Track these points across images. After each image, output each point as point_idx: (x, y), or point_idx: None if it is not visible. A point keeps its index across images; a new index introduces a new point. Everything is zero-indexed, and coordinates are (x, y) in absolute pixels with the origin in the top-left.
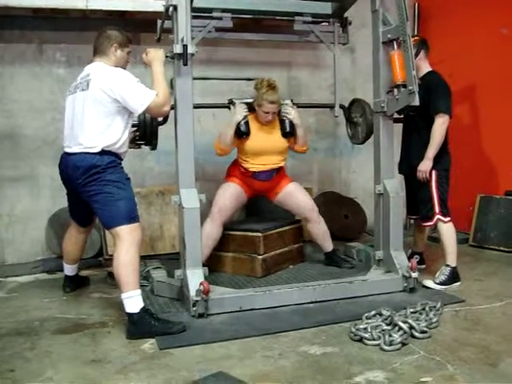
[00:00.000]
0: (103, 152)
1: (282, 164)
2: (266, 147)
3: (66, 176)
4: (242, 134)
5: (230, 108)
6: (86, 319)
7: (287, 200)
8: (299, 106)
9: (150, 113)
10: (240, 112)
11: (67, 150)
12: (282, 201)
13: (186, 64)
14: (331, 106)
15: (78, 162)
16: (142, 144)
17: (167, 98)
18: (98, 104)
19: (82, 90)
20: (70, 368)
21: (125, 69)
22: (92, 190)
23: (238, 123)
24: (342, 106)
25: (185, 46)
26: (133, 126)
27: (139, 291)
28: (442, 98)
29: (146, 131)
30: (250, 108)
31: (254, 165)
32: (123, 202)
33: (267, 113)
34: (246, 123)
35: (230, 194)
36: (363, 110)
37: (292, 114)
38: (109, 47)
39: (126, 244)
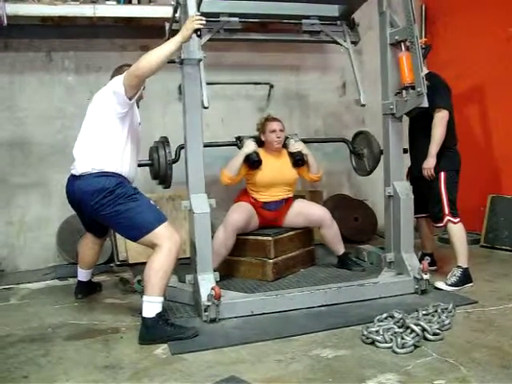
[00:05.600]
0: (108, 173)
1: (290, 195)
2: (276, 179)
3: (74, 200)
4: (254, 162)
5: (237, 145)
6: (99, 325)
7: (297, 216)
8: (308, 141)
9: (129, 84)
10: (250, 144)
11: (73, 172)
12: (291, 222)
13: (199, 36)
14: (343, 140)
15: (85, 187)
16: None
17: (140, 64)
18: (98, 115)
19: (89, 109)
20: (83, 374)
21: (139, 101)
22: (111, 212)
23: (249, 154)
24: (344, 140)
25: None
26: (145, 165)
27: (161, 299)
28: (439, 94)
29: (159, 170)
30: (258, 143)
31: (264, 196)
32: (146, 212)
33: (274, 131)
34: (257, 154)
35: (245, 209)
36: (368, 141)
37: (299, 146)
38: None
39: (164, 250)
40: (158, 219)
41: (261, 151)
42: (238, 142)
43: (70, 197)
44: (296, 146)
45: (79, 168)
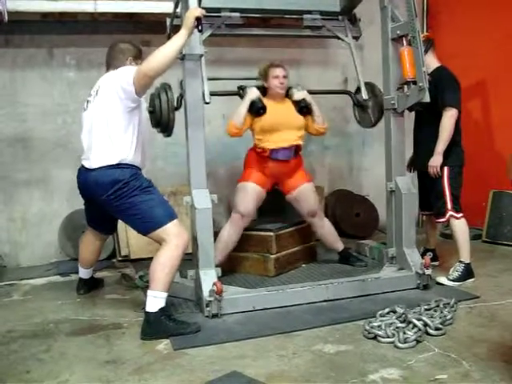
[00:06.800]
0: (122, 165)
1: (299, 142)
2: (281, 121)
3: (86, 192)
4: (258, 109)
5: (240, 94)
6: (101, 320)
7: (298, 200)
8: (314, 92)
9: (141, 84)
10: (253, 92)
11: (86, 164)
12: (294, 199)
13: (200, 31)
14: (346, 92)
15: (100, 178)
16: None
17: (152, 64)
18: (107, 108)
19: (93, 100)
20: (86, 369)
21: None
22: (125, 203)
23: (253, 101)
24: (348, 92)
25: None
26: (147, 111)
27: (165, 294)
28: (450, 91)
29: (161, 117)
30: (262, 92)
31: (271, 142)
32: (159, 207)
33: (277, 77)
34: (261, 100)
35: (251, 197)
36: (372, 89)
37: (302, 93)
38: (124, 61)
39: (171, 246)
40: (169, 215)
41: (264, 100)
42: (241, 91)
43: (82, 188)
44: (299, 94)
45: (93, 161)
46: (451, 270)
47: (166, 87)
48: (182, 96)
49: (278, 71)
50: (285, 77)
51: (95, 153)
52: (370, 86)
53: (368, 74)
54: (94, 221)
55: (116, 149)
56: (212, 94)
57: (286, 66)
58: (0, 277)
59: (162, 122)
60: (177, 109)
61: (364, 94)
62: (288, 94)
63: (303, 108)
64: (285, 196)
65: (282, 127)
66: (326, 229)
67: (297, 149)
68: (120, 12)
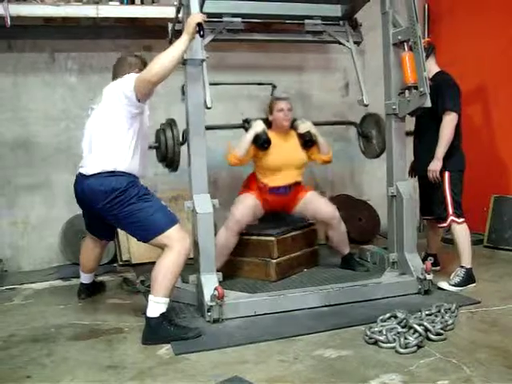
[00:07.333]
0: (118, 173)
1: (299, 179)
2: (285, 162)
3: (83, 200)
4: (263, 142)
5: (244, 127)
6: (102, 325)
7: (307, 207)
8: (315, 124)
9: (143, 91)
10: (259, 124)
11: (82, 171)
12: (301, 210)
13: (202, 36)
14: (352, 123)
15: (97, 187)
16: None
17: (155, 70)
18: (110, 114)
19: (97, 108)
20: (87, 374)
21: None
22: (123, 212)
23: (258, 134)
24: (353, 123)
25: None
26: (152, 147)
27: (167, 300)
28: (450, 96)
29: (167, 153)
30: (266, 125)
31: (273, 180)
32: (158, 212)
33: (282, 110)
34: (266, 134)
35: (248, 206)
36: (376, 122)
37: (307, 124)
38: (131, 72)
39: (174, 251)
40: (170, 221)
41: (269, 133)
42: (246, 124)
43: (79, 196)
44: (304, 126)
45: (90, 168)
46: (452, 275)
47: (171, 123)
48: (186, 131)
49: (283, 104)
50: (289, 110)
51: (93, 158)
52: (374, 118)
53: (369, 79)
54: (93, 227)
55: (114, 155)
56: (216, 127)
57: (287, 70)
58: (1, 281)
59: (167, 157)
60: (182, 144)
61: (365, 99)
62: (293, 126)
63: (308, 142)
64: (290, 213)
65: (285, 167)
66: (340, 231)
67: (296, 183)
68: (122, 17)
